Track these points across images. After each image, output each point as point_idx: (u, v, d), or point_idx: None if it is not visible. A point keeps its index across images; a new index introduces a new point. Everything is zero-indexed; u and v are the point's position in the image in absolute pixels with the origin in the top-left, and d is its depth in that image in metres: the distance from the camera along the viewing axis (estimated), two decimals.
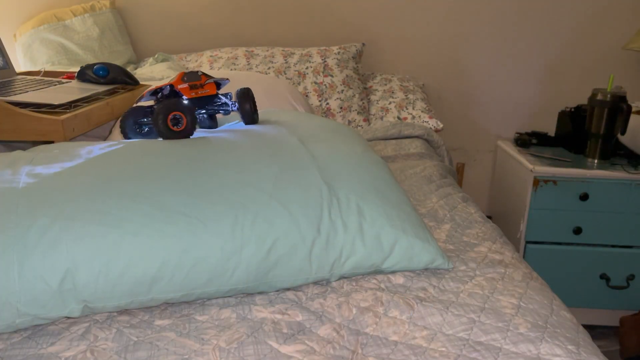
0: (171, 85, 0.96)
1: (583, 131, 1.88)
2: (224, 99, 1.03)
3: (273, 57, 1.92)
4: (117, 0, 2.09)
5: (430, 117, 1.85)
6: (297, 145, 0.90)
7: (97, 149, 0.87)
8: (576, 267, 1.83)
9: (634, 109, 1.92)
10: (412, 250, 0.84)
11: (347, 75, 1.89)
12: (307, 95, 1.84)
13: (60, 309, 0.69)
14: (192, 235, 0.73)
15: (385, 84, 1.99)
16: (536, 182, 1.78)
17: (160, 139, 0.92)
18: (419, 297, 0.79)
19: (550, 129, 2.23)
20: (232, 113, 1.17)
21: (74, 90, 1.22)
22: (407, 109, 1.88)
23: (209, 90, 1.00)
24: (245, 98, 1.01)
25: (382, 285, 0.83)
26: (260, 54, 1.94)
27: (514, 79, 2.18)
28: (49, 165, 0.80)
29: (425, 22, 2.12)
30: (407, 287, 0.82)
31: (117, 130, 1.25)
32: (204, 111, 1.03)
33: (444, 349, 0.68)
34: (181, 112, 0.91)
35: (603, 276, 1.83)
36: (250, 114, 1.02)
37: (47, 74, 1.49)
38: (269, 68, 1.88)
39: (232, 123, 1.10)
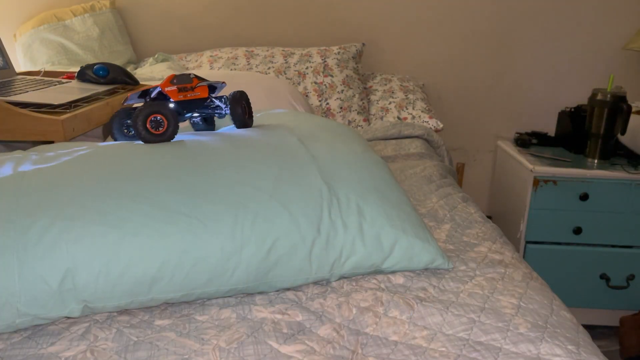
0: (159, 88, 0.94)
1: (583, 131, 1.88)
2: (217, 102, 1.01)
3: (273, 57, 1.92)
4: (117, 0, 2.09)
5: (430, 117, 1.85)
6: (297, 145, 0.90)
7: (98, 149, 0.87)
8: (576, 267, 1.83)
9: (634, 109, 1.92)
10: (412, 250, 0.84)
11: (347, 75, 1.89)
12: (307, 95, 1.84)
13: (60, 309, 0.69)
14: (192, 235, 0.73)
15: (385, 84, 1.99)
16: (536, 182, 1.78)
17: None
18: (419, 297, 0.79)
19: (550, 129, 2.23)
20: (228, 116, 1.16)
21: (74, 90, 1.22)
22: (407, 109, 1.88)
23: (199, 94, 0.97)
24: (237, 102, 0.99)
25: (382, 285, 0.83)
26: (260, 54, 1.94)
27: (514, 79, 2.18)
28: (49, 165, 0.80)
29: (425, 22, 2.13)
30: (407, 287, 0.82)
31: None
32: (197, 114, 1.02)
33: (444, 349, 0.68)
34: (162, 114, 0.88)
35: (603, 276, 1.83)
36: (241, 118, 1.00)
37: (47, 74, 1.49)
38: (269, 68, 1.88)
39: (228, 127, 1.09)
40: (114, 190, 0.74)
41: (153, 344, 0.68)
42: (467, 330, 0.72)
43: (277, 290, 0.81)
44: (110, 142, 0.92)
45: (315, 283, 0.84)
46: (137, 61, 2.09)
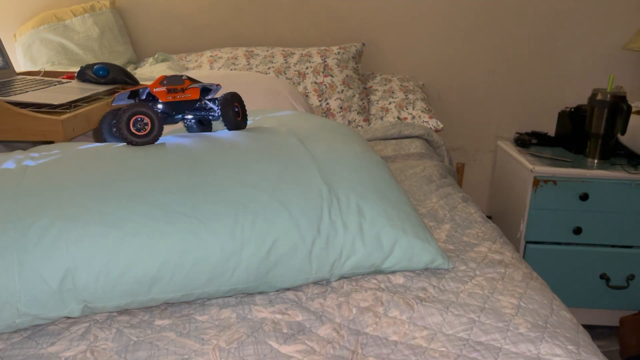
0: (148, 88, 0.93)
1: (583, 131, 1.88)
2: (210, 104, 0.99)
3: (273, 57, 1.92)
4: (117, 0, 2.09)
5: (430, 117, 1.85)
6: (297, 145, 0.90)
7: (97, 149, 0.87)
8: (576, 267, 1.83)
9: (634, 109, 1.92)
10: (412, 250, 0.84)
11: (347, 75, 1.89)
12: (307, 95, 1.84)
13: (60, 309, 0.69)
14: (192, 236, 0.73)
15: (385, 84, 1.99)
16: (536, 182, 1.78)
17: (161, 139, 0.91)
18: (419, 297, 0.79)
19: (550, 129, 2.23)
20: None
21: (74, 90, 1.22)
22: (407, 109, 1.88)
23: (190, 95, 0.95)
24: (228, 104, 0.97)
25: (382, 285, 0.83)
26: (260, 54, 1.94)
27: (514, 79, 2.18)
28: (49, 165, 0.80)
29: (425, 22, 2.13)
30: (407, 287, 0.82)
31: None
32: (191, 116, 1.00)
33: (444, 349, 0.68)
34: (146, 115, 0.86)
35: (603, 276, 1.83)
36: (233, 121, 0.97)
37: (47, 74, 1.49)
38: (269, 68, 1.88)
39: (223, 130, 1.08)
40: (114, 191, 0.74)
41: (153, 344, 0.68)
42: (467, 330, 0.72)
43: (277, 290, 0.81)
44: (110, 143, 0.92)
45: (315, 283, 0.84)
46: (137, 61, 2.09)
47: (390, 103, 1.90)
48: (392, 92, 1.95)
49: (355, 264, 0.82)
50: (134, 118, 0.85)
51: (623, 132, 1.79)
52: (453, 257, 0.92)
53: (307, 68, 1.89)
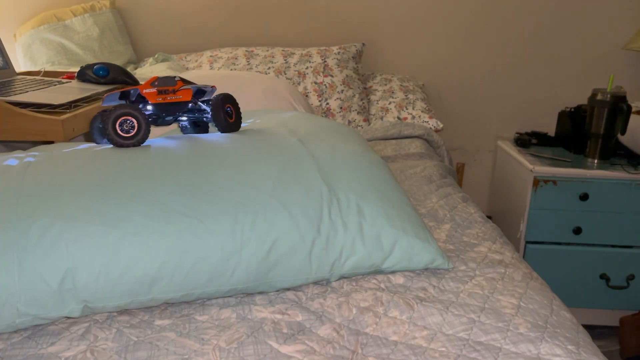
0: (137, 89, 0.92)
1: (583, 131, 1.88)
2: (203, 106, 0.98)
3: (273, 57, 1.92)
4: (117, 0, 2.09)
5: (430, 117, 1.85)
6: (297, 145, 0.90)
7: (97, 149, 0.87)
8: (576, 267, 1.83)
9: (634, 109, 1.92)
10: (412, 250, 0.84)
11: (347, 75, 1.89)
12: (307, 95, 1.84)
13: (60, 309, 0.69)
14: (192, 235, 0.73)
15: (385, 84, 1.99)
16: (536, 182, 1.78)
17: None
18: (419, 297, 0.79)
19: (550, 129, 2.23)
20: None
21: (74, 90, 1.22)
22: (407, 109, 1.88)
23: (181, 97, 0.94)
24: (219, 105, 0.95)
25: (382, 285, 0.83)
26: (260, 54, 1.94)
27: (514, 79, 2.18)
28: (49, 165, 0.80)
29: (425, 22, 2.13)
30: (407, 287, 0.82)
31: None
32: (185, 118, 0.99)
33: (444, 349, 0.68)
34: (133, 117, 0.85)
35: (603, 276, 1.83)
36: (223, 123, 0.95)
37: (47, 74, 1.49)
38: (269, 68, 1.88)
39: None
40: (114, 191, 0.74)
41: (153, 344, 0.68)
42: (467, 330, 0.72)
43: (277, 290, 0.81)
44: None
45: (315, 283, 0.84)
46: (137, 61, 2.09)
47: (390, 103, 1.90)
48: (392, 92, 1.95)
49: (355, 264, 0.82)
50: (121, 119, 0.85)
51: (623, 132, 1.79)
52: (453, 257, 0.92)
53: (307, 68, 1.89)
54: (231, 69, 1.88)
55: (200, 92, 0.97)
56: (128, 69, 1.83)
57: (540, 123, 2.23)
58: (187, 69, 1.94)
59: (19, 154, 0.88)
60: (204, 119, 0.99)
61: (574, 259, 1.83)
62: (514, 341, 0.69)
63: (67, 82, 1.31)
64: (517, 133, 2.14)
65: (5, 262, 0.67)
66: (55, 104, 1.07)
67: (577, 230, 1.81)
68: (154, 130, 1.27)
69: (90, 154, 0.83)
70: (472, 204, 1.20)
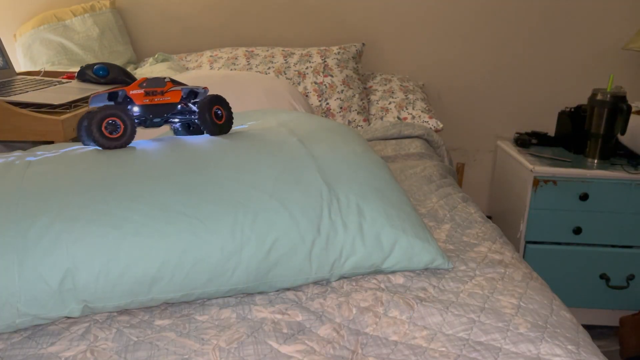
0: (124, 90, 0.90)
1: (583, 131, 1.88)
2: (194, 108, 0.96)
3: (273, 57, 1.92)
4: (117, 0, 2.09)
5: (430, 117, 1.85)
6: (297, 145, 0.90)
7: (97, 149, 0.87)
8: (576, 267, 1.83)
9: (634, 109, 1.92)
10: (412, 250, 0.84)
11: (347, 75, 1.89)
12: (307, 95, 1.84)
13: (60, 309, 0.69)
14: (192, 235, 0.73)
15: (385, 84, 1.99)
16: (536, 182, 1.78)
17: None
18: (419, 297, 0.79)
19: (550, 129, 2.23)
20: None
21: (74, 90, 1.22)
22: (407, 109, 1.88)
23: (169, 99, 0.92)
24: (206, 107, 0.93)
25: (382, 285, 0.83)
26: (260, 54, 1.94)
27: (514, 79, 2.18)
28: (49, 165, 0.80)
29: (425, 22, 2.13)
30: (407, 287, 0.82)
31: None
32: (177, 120, 0.98)
33: (444, 349, 0.68)
34: (118, 118, 0.84)
35: (603, 276, 1.83)
36: (210, 125, 0.93)
37: (47, 74, 1.49)
38: (269, 68, 1.88)
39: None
40: (114, 191, 0.74)
41: (153, 344, 0.68)
42: (467, 330, 0.72)
43: (277, 290, 0.81)
44: None
45: (315, 283, 0.84)
46: (137, 61, 2.09)
47: (390, 103, 1.90)
48: (392, 92, 1.95)
49: (355, 264, 0.82)
50: (107, 121, 0.84)
51: (623, 132, 1.79)
52: (453, 257, 0.92)
53: (307, 68, 1.89)
54: (231, 69, 1.88)
55: (192, 93, 0.96)
56: (128, 69, 1.83)
57: (540, 123, 2.23)
58: (187, 69, 1.94)
59: (19, 153, 0.88)
60: (196, 121, 0.98)
61: (574, 259, 1.83)
62: (514, 341, 0.69)
63: (67, 82, 1.31)
64: (517, 133, 2.14)
65: (5, 262, 0.67)
66: (55, 104, 1.07)
67: (577, 230, 1.81)
68: (150, 132, 1.27)
69: (90, 154, 0.83)
70: (472, 204, 1.20)
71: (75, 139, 1.24)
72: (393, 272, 0.86)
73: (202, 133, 1.02)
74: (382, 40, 2.15)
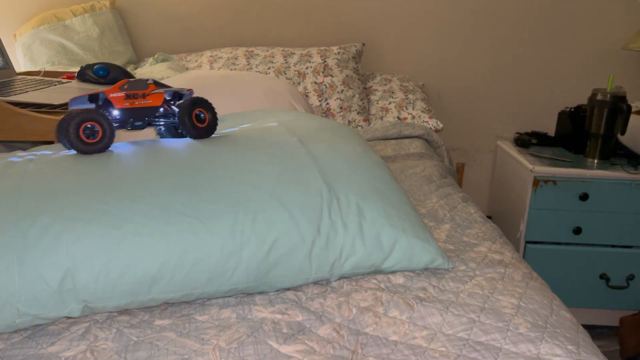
0: (104, 93, 0.88)
1: (583, 131, 1.88)
2: (177, 110, 0.93)
3: (273, 57, 1.92)
4: (117, 0, 2.09)
5: (430, 117, 1.85)
6: (297, 145, 0.90)
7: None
8: (576, 267, 1.83)
9: (634, 109, 1.92)
10: (412, 250, 0.84)
11: (347, 75, 1.89)
12: (307, 95, 1.84)
13: (60, 309, 0.69)
14: (192, 235, 0.73)
15: (385, 84, 1.99)
16: (536, 182, 1.78)
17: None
18: (419, 297, 0.79)
19: (550, 129, 2.23)
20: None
21: (74, 90, 1.22)
22: (407, 109, 1.88)
23: (151, 101, 0.90)
24: (185, 110, 0.90)
25: (382, 285, 0.83)
26: (260, 54, 1.94)
27: (514, 78, 2.18)
28: (49, 165, 0.80)
29: (425, 22, 2.13)
30: (407, 287, 0.82)
31: (119, 133, 1.24)
32: (162, 122, 0.94)
33: (444, 349, 0.68)
34: (97, 122, 0.82)
35: (603, 276, 1.83)
36: (190, 129, 0.90)
37: (47, 74, 1.49)
38: (269, 68, 1.88)
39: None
40: (114, 191, 0.74)
41: (153, 344, 0.68)
42: (467, 330, 0.72)
43: (277, 290, 0.81)
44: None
45: (315, 283, 0.84)
46: (137, 61, 2.09)
47: (390, 103, 1.90)
48: (392, 92, 1.95)
49: (355, 264, 0.82)
50: (85, 125, 0.82)
51: (623, 132, 1.79)
52: (453, 257, 0.92)
53: (307, 68, 1.89)
54: (231, 69, 1.88)
55: (177, 95, 0.93)
56: (128, 69, 1.83)
57: (540, 123, 2.23)
58: (187, 69, 1.94)
59: (19, 153, 0.88)
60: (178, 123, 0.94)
61: (574, 259, 1.83)
62: (514, 341, 0.69)
63: (67, 82, 1.31)
64: (517, 133, 2.14)
65: (5, 262, 0.67)
66: (55, 104, 1.07)
67: (577, 230, 1.81)
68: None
69: (89, 155, 0.83)
70: (472, 204, 1.20)
71: None
72: (393, 272, 0.86)
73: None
74: (382, 40, 2.15)
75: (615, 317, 1.90)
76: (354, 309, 0.77)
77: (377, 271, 0.85)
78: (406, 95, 1.93)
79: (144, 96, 0.89)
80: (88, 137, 0.83)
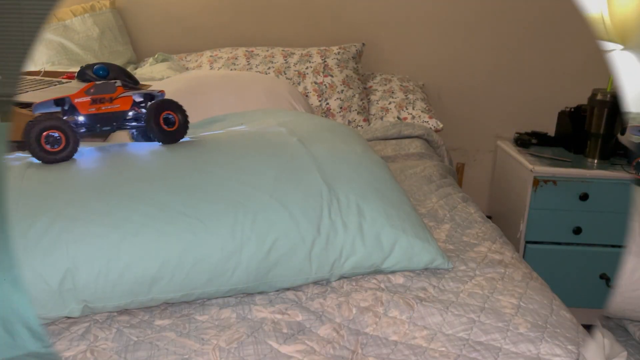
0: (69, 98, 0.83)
1: (583, 131, 1.88)
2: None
3: (273, 57, 1.92)
4: (117, 0, 2.09)
5: (430, 117, 1.85)
6: (297, 145, 0.90)
7: (97, 150, 0.87)
8: (576, 267, 1.83)
9: None
10: (412, 250, 0.84)
11: (347, 75, 1.89)
12: (307, 95, 1.84)
13: (60, 309, 0.69)
14: (192, 235, 0.73)
15: (385, 84, 1.99)
16: (536, 182, 1.78)
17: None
18: (419, 297, 0.79)
19: (550, 129, 2.22)
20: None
21: (74, 90, 1.21)
22: (407, 109, 1.88)
23: (119, 106, 0.85)
24: (151, 113, 0.86)
25: (382, 285, 0.83)
26: (260, 54, 1.94)
27: (514, 78, 2.18)
28: (49, 165, 0.80)
29: (425, 22, 2.12)
30: (407, 287, 0.82)
31: (116, 132, 1.24)
32: (134, 125, 0.90)
33: (444, 349, 0.68)
34: (59, 130, 0.78)
35: (603, 276, 1.83)
36: (157, 133, 0.86)
37: (47, 74, 1.49)
38: (269, 68, 1.88)
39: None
40: (114, 191, 0.74)
41: (153, 344, 0.68)
42: (467, 330, 0.72)
43: (277, 290, 0.81)
44: (109, 144, 0.91)
45: (315, 283, 0.83)
46: (137, 61, 2.09)
47: (390, 103, 1.90)
48: (392, 92, 1.95)
49: (355, 263, 0.82)
50: (47, 133, 0.78)
51: (623, 132, 1.79)
52: (453, 257, 0.92)
53: (307, 68, 1.89)
54: (231, 69, 1.88)
55: (149, 97, 0.89)
56: (128, 69, 1.83)
57: (540, 123, 2.23)
58: (187, 69, 1.94)
59: (19, 153, 0.88)
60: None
61: (574, 259, 1.83)
62: (513, 341, 0.69)
63: (67, 82, 1.31)
64: (517, 133, 2.14)
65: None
66: None
67: (577, 230, 1.80)
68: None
69: (89, 155, 0.83)
70: (472, 204, 1.20)
71: None
72: (393, 272, 0.86)
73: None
74: (382, 40, 2.15)
75: None
76: (354, 309, 0.77)
77: (377, 271, 0.85)
78: (406, 95, 1.93)
79: (111, 100, 0.85)
80: (52, 146, 0.79)
